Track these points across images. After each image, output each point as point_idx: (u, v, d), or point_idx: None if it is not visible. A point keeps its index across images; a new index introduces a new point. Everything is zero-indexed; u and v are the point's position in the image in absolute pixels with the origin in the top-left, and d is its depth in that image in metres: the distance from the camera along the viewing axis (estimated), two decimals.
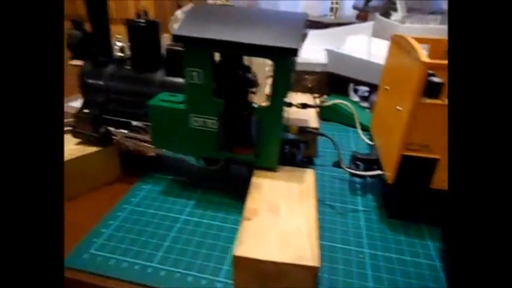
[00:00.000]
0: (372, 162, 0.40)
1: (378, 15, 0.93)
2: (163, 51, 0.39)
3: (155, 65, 0.40)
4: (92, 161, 0.40)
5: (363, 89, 0.71)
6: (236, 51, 0.31)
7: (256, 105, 0.33)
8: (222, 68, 0.35)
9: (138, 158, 0.45)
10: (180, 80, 0.39)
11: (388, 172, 0.34)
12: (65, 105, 0.64)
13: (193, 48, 0.31)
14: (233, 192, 0.41)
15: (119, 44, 0.41)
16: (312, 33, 0.90)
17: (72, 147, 0.40)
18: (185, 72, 0.32)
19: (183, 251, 0.32)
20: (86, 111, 0.39)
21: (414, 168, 0.32)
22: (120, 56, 0.41)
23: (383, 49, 0.71)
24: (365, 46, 0.77)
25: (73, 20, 0.39)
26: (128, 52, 0.41)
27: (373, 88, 0.68)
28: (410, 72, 0.30)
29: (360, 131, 0.45)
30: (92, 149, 0.40)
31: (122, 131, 0.39)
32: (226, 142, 0.36)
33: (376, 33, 0.87)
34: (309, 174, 0.36)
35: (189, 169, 0.46)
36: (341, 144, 0.56)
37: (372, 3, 1.38)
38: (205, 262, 0.31)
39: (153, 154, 0.42)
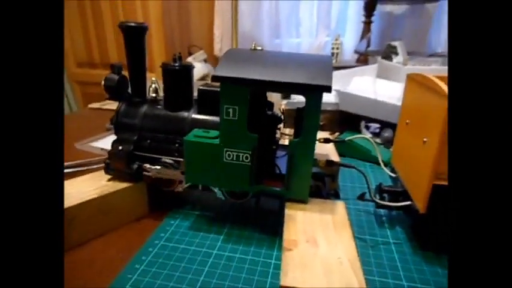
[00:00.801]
0: (398, 194, 0.41)
1: (379, 59, 0.99)
2: (194, 92, 0.42)
3: (187, 104, 0.42)
4: (123, 196, 0.41)
5: (374, 125, 0.74)
6: (272, 89, 0.33)
7: (288, 140, 0.35)
8: (252, 105, 0.37)
9: (165, 194, 0.46)
10: (210, 118, 0.41)
11: (419, 202, 0.35)
12: (88, 145, 0.66)
13: (231, 87, 0.33)
14: (262, 226, 0.42)
15: (153, 85, 0.43)
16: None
17: (104, 183, 0.41)
18: (221, 109, 0.34)
19: (220, 286, 0.32)
20: (120, 148, 0.41)
21: (446, 197, 0.32)
22: (154, 96, 0.43)
23: (388, 89, 0.76)
24: (371, 86, 0.81)
25: (112, 65, 0.42)
26: (161, 93, 0.44)
27: (383, 124, 0.71)
28: (435, 106, 0.32)
29: (382, 164, 0.46)
30: (124, 185, 0.41)
31: (156, 167, 0.40)
32: (258, 175, 0.37)
33: (380, 75, 0.92)
34: (340, 206, 0.37)
35: (215, 204, 0.47)
36: (360, 178, 0.57)
37: (372, 48, 1.47)
38: None
39: (180, 189, 0.43)
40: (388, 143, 0.69)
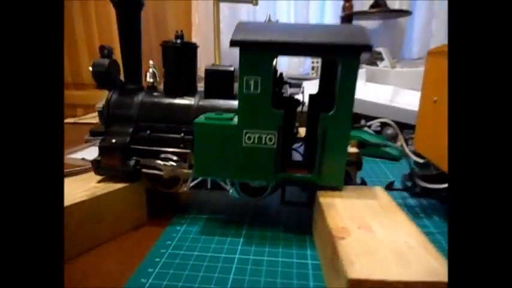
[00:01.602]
0: (434, 178, 0.37)
1: (365, 65, 0.99)
2: (200, 74, 0.37)
3: (191, 89, 0.37)
4: (118, 199, 0.33)
5: (376, 123, 0.72)
6: (302, 52, 0.29)
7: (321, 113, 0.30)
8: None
9: (166, 196, 0.39)
10: (220, 102, 0.35)
11: None
12: (67, 157, 0.58)
13: (253, 54, 0.28)
14: (285, 224, 0.36)
15: (151, 70, 0.38)
16: (306, 84, 0.94)
17: (94, 185, 0.34)
18: (240, 83, 0.29)
19: None
20: (113, 141, 0.34)
21: None
22: (151, 82, 0.38)
23: (377, 91, 0.77)
24: (362, 89, 0.80)
25: (101, 46, 0.36)
26: (157, 79, 0.38)
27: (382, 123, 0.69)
28: None
29: (409, 152, 0.42)
30: (118, 186, 0.34)
31: (172, 163, 0.34)
32: (283, 161, 0.32)
33: (368, 80, 0.92)
34: (380, 191, 0.32)
35: (226, 205, 0.40)
36: (376, 172, 0.53)
37: None
38: None
39: (186, 189, 0.37)
40: (392, 140, 0.67)
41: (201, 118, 0.32)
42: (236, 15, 1.57)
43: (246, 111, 0.30)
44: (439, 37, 1.40)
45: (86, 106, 1.22)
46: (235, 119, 0.31)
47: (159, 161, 0.34)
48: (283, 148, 0.31)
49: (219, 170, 0.32)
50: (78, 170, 0.48)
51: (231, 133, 0.31)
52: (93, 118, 0.90)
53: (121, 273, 0.28)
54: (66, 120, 0.91)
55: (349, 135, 0.30)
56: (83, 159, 0.57)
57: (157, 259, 0.30)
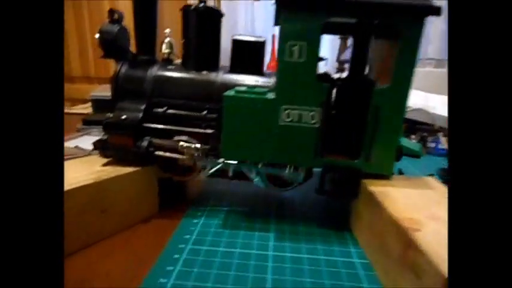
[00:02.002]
0: None
1: None
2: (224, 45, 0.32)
3: (214, 62, 0.32)
4: (126, 185, 0.29)
5: None
6: (353, 14, 0.25)
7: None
8: None
9: (177, 185, 0.34)
10: (248, 78, 0.31)
11: None
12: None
13: (300, 15, 0.24)
14: (318, 219, 0.31)
15: (168, 39, 0.33)
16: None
17: (99, 169, 0.29)
18: (282, 49, 0.25)
19: None
20: (124, 117, 0.29)
21: None
22: (168, 53, 0.33)
23: None
24: None
25: (111, 10, 0.31)
26: (174, 51, 0.34)
27: None
28: None
29: (442, 138, 0.39)
30: (127, 170, 0.29)
31: (196, 145, 0.29)
32: (326, 144, 0.27)
33: None
34: (433, 181, 0.28)
35: (247, 196, 0.36)
36: (405, 168, 0.49)
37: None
38: None
39: (204, 177, 0.32)
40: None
41: (231, 92, 0.27)
42: (233, 16, 1.53)
43: (286, 83, 0.26)
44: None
45: (74, 100, 1.15)
46: (270, 95, 0.27)
47: (182, 142, 0.29)
48: (329, 127, 0.27)
49: (250, 152, 0.28)
50: (75, 156, 0.43)
51: (266, 109, 0.26)
52: (83, 109, 0.84)
53: (132, 272, 0.23)
54: None
55: (405, 113, 0.26)
56: (76, 147, 0.52)
57: (176, 255, 0.25)
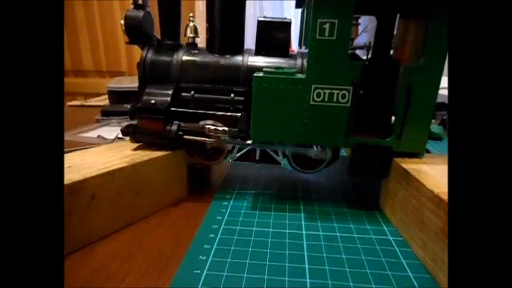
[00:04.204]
0: None
1: None
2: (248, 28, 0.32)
3: (239, 46, 0.32)
4: (158, 169, 0.29)
5: None
6: None
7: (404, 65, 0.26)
8: None
9: (204, 169, 0.35)
10: (274, 60, 0.31)
11: None
12: (80, 135, 0.53)
13: None
14: (345, 200, 0.32)
15: (192, 24, 0.33)
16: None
17: (131, 153, 0.29)
18: (313, 26, 0.25)
19: (338, 274, 0.21)
20: (153, 101, 0.29)
21: None
22: (192, 37, 0.33)
23: None
24: None
25: None
26: (197, 34, 0.34)
27: None
28: None
29: None
30: (159, 153, 0.29)
31: (224, 128, 0.29)
32: (358, 123, 0.27)
33: None
34: None
35: (270, 179, 0.36)
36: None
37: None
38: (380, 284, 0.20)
39: (231, 160, 0.32)
40: None
41: (260, 73, 0.27)
42: None
43: (317, 61, 0.25)
44: None
45: (86, 94, 1.17)
46: (299, 75, 0.27)
47: (210, 126, 0.29)
48: (358, 108, 0.27)
49: (280, 133, 0.28)
50: (101, 143, 0.43)
51: (296, 88, 0.26)
52: (99, 102, 0.85)
53: (170, 251, 0.24)
54: (72, 103, 0.86)
55: (438, 91, 0.26)
56: (99, 136, 0.52)
57: (211, 235, 0.25)
